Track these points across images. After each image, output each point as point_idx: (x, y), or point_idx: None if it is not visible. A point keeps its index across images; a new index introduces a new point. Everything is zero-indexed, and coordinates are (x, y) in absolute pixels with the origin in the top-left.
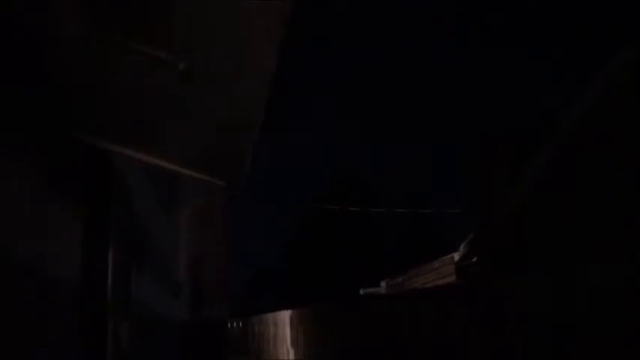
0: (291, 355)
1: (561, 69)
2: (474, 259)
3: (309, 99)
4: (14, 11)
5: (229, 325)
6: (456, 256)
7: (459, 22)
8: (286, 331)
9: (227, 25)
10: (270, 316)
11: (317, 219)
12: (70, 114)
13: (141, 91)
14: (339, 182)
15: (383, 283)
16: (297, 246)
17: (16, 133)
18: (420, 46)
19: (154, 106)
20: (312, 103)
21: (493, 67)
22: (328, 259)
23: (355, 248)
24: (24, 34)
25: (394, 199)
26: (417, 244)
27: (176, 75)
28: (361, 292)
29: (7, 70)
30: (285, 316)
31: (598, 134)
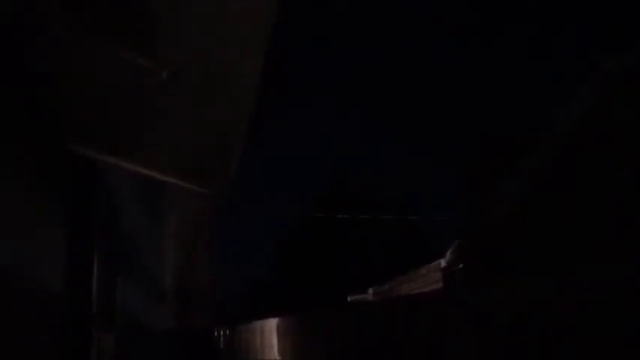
0: None
1: (561, 69)
2: (461, 265)
3: (308, 100)
4: None
5: (216, 334)
6: (443, 262)
7: (459, 22)
8: (273, 339)
9: (213, 32)
10: (257, 324)
11: (304, 227)
12: (54, 122)
13: (125, 99)
14: (327, 191)
15: (370, 291)
16: (284, 254)
17: None
18: (420, 46)
19: (138, 114)
20: (311, 105)
21: (493, 67)
22: (316, 266)
23: (343, 256)
24: (6, 40)
25: (384, 205)
26: (407, 251)
27: (160, 82)
28: (348, 299)
29: None
30: (272, 324)
31: (597, 134)
